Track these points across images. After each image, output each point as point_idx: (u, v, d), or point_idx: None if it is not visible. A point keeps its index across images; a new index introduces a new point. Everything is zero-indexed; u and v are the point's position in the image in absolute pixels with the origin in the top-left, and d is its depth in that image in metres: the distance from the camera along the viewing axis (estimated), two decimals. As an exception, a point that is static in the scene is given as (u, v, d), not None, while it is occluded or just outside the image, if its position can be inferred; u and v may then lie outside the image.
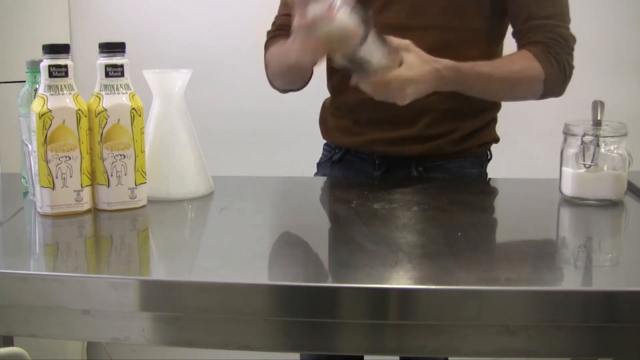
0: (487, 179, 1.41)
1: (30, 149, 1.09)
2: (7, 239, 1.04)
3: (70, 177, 1.07)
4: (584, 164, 1.11)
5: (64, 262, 0.93)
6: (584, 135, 1.11)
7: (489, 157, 1.43)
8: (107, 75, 1.09)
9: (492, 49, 1.33)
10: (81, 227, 1.06)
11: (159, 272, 0.93)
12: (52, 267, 0.92)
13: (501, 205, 1.28)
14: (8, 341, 1.35)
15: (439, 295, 0.79)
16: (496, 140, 1.42)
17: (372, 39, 1.05)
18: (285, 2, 1.40)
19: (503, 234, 1.07)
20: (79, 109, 1.06)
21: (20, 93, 1.20)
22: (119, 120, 1.09)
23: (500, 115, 1.42)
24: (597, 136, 1.10)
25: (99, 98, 1.08)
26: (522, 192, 1.29)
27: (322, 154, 1.49)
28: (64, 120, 1.05)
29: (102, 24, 2.35)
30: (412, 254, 0.91)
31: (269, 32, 1.42)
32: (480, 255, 0.93)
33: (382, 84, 1.12)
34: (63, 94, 1.06)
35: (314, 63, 1.18)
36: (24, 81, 1.20)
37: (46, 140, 1.05)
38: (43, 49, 1.06)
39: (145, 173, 1.12)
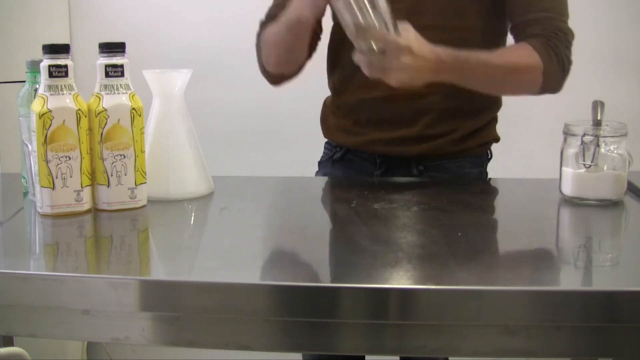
0: (487, 179, 1.41)
1: (30, 149, 1.09)
2: (7, 239, 1.04)
3: (70, 177, 1.07)
4: (584, 164, 1.11)
5: (64, 262, 0.93)
6: (584, 135, 1.11)
7: (489, 157, 1.43)
8: (107, 75, 1.09)
9: (492, 49, 1.33)
10: (81, 227, 1.06)
11: (159, 272, 0.93)
12: (52, 267, 0.92)
13: (501, 205, 1.28)
14: (8, 341, 1.35)
15: (439, 295, 0.79)
16: (496, 139, 1.42)
17: None
18: None
19: (503, 234, 1.07)
20: (79, 109, 1.06)
21: (20, 93, 1.20)
22: (119, 120, 1.09)
23: (500, 115, 1.42)
24: (597, 136, 1.10)
25: (99, 98, 1.08)
26: (522, 192, 1.29)
27: (324, 153, 1.49)
28: (64, 120, 1.05)
29: (102, 24, 2.35)
30: (412, 254, 0.91)
31: (261, 22, 1.38)
32: (480, 255, 0.93)
33: (377, 52, 1.07)
34: (63, 94, 1.06)
35: (315, 15, 1.15)
36: (24, 81, 1.20)
37: (46, 140, 1.05)
38: (43, 49, 1.06)
39: (145, 173, 1.12)
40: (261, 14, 1.38)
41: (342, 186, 1.39)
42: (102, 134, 1.08)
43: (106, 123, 1.08)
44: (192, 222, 1.14)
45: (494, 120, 1.41)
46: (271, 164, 2.27)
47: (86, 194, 1.08)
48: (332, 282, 0.84)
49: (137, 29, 2.33)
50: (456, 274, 0.84)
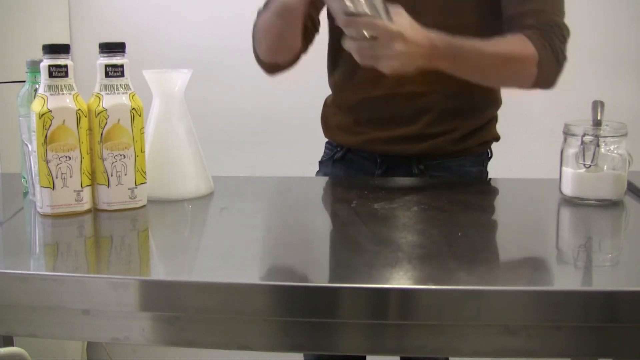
0: (488, 179, 1.41)
1: (30, 149, 1.09)
2: (7, 239, 1.04)
3: (70, 177, 1.07)
4: (584, 164, 1.11)
5: (64, 262, 0.93)
6: (584, 135, 1.11)
7: (489, 156, 1.43)
8: (107, 75, 1.09)
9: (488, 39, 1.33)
10: (81, 227, 1.06)
11: (159, 272, 0.93)
12: (52, 267, 0.92)
13: (501, 205, 1.28)
14: (8, 341, 1.35)
15: (439, 295, 0.79)
16: (497, 138, 1.42)
17: None
18: None
19: (503, 234, 1.07)
20: (79, 109, 1.06)
21: (20, 93, 1.20)
22: (119, 120, 1.09)
23: (500, 115, 1.42)
24: (597, 136, 1.10)
25: (99, 98, 1.08)
26: (522, 192, 1.29)
27: (324, 152, 1.49)
28: (64, 120, 1.05)
29: (102, 24, 2.35)
30: (412, 254, 0.91)
31: (258, 11, 1.36)
32: (480, 255, 0.93)
33: (368, 39, 1.06)
34: (63, 94, 1.06)
35: (303, 0, 1.15)
36: (24, 81, 1.20)
37: (46, 140, 1.05)
38: (43, 49, 1.06)
39: (145, 173, 1.12)
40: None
41: (342, 186, 1.39)
42: (102, 134, 1.08)
43: (106, 123, 1.08)
44: (192, 222, 1.14)
45: (494, 119, 1.41)
46: (271, 164, 2.27)
47: (86, 194, 1.08)
48: (332, 282, 0.84)
49: (137, 29, 2.33)
50: (456, 274, 0.84)
